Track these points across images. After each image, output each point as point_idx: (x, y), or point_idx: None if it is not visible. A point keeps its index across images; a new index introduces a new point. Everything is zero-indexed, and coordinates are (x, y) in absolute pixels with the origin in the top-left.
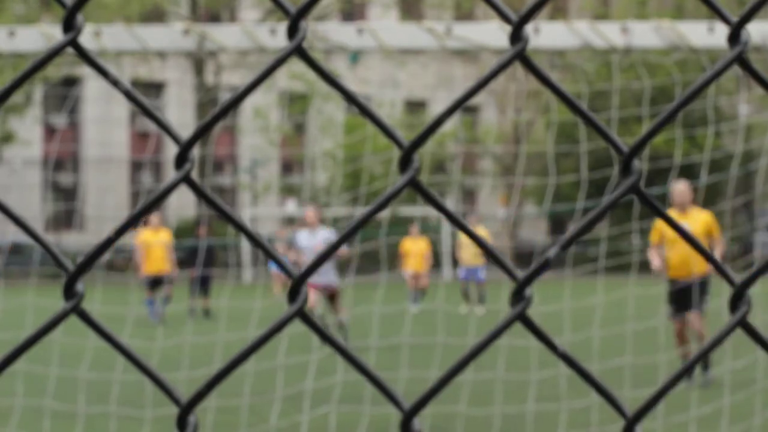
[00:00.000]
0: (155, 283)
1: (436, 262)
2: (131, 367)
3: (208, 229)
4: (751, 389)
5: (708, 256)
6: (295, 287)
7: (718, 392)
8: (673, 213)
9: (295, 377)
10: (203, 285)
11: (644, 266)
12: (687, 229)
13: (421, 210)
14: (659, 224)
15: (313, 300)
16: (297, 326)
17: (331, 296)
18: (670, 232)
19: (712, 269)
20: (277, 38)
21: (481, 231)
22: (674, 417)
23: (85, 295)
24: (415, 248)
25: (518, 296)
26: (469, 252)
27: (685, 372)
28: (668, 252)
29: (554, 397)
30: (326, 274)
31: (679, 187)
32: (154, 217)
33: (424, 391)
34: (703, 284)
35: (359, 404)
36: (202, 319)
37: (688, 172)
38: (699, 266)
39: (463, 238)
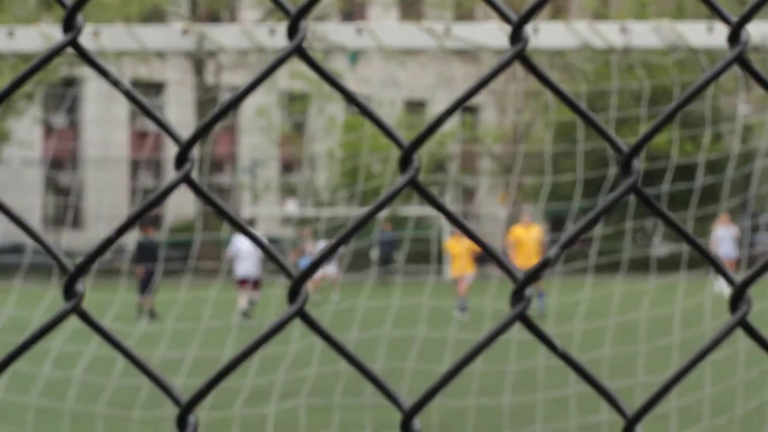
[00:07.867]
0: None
1: (439, 260)
2: (126, 372)
3: (204, 228)
4: (732, 381)
5: (705, 253)
6: (295, 287)
7: (698, 384)
8: None
9: (268, 369)
10: (147, 285)
11: (634, 265)
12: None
13: (419, 210)
14: None
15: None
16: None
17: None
18: None
19: None
20: (277, 38)
21: None
22: (655, 409)
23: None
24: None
25: (518, 296)
26: None
27: (685, 372)
28: None
29: (532, 389)
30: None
31: None
32: None
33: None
34: None
35: (330, 396)
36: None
37: (687, 172)
38: None
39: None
